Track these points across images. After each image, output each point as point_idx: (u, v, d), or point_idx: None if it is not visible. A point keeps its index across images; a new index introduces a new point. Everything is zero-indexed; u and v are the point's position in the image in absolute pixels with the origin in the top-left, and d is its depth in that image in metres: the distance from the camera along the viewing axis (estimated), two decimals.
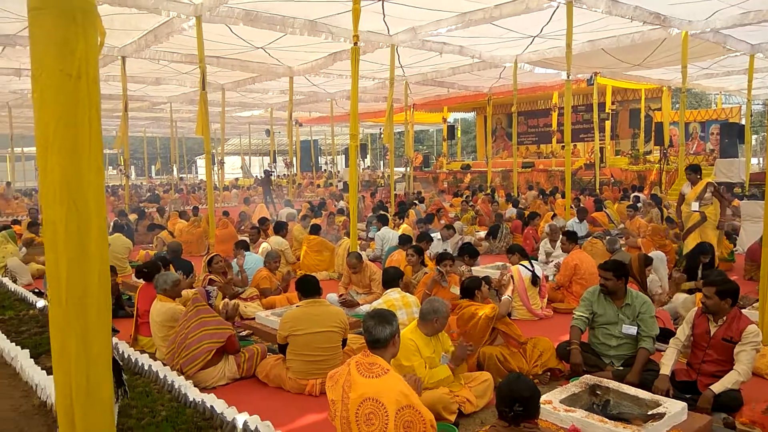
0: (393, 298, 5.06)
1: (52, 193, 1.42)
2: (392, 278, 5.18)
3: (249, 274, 6.96)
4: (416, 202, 14.58)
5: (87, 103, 1.44)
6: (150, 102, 22.42)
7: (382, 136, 33.43)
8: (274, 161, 23.86)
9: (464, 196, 16.99)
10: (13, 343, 5.14)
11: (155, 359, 4.81)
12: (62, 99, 1.42)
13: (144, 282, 5.62)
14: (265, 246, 8.33)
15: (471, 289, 4.62)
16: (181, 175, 33.11)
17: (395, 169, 20.20)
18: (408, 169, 20.81)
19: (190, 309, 4.58)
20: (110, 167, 50.58)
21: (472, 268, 6.98)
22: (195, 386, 4.14)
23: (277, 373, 4.38)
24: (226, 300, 5.65)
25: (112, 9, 9.34)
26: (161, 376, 4.31)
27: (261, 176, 31.39)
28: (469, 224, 11.93)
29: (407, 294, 5.28)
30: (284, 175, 35.94)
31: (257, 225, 9.55)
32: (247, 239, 8.62)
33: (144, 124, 31.85)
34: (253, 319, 5.93)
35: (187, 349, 4.37)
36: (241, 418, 3.47)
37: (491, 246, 10.00)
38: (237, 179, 35.82)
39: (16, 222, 11.50)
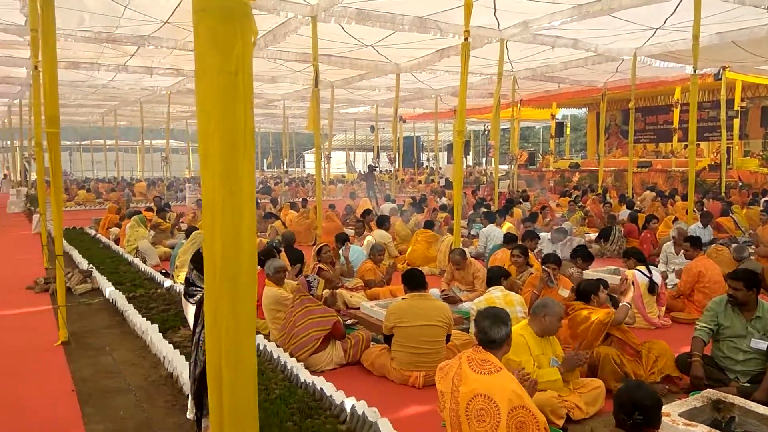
0: (495, 296, 4.98)
1: (212, 181, 1.55)
2: (496, 276, 5.10)
3: (353, 266, 7.15)
4: (521, 200, 14.22)
5: (243, 98, 1.56)
6: (265, 99, 23.60)
7: (486, 132, 32.94)
8: (377, 157, 24.33)
9: (573, 195, 16.32)
10: (144, 318, 5.64)
11: (269, 340, 5.08)
12: (222, 94, 1.55)
13: (259, 268, 5.95)
14: (369, 239, 8.51)
15: (587, 292, 4.46)
16: (288, 169, 34.56)
17: (501, 166, 19.85)
18: (513, 166, 20.33)
19: (296, 298, 4.80)
20: None
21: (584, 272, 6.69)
22: (305, 369, 4.33)
23: (382, 363, 4.47)
24: (327, 290, 5.83)
25: None
26: (275, 357, 4.55)
27: (364, 171, 32.11)
28: (578, 225, 11.45)
29: (510, 292, 5.17)
30: (386, 170, 36.53)
31: (362, 218, 9.76)
32: (353, 231, 8.87)
33: (259, 120, 33.62)
34: (359, 308, 6.08)
35: (296, 336, 4.58)
36: (349, 402, 3.59)
37: (602, 249, 9.54)
38: (343, 174, 36.77)
39: (149, 209, 12.55)
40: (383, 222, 8.97)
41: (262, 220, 13.19)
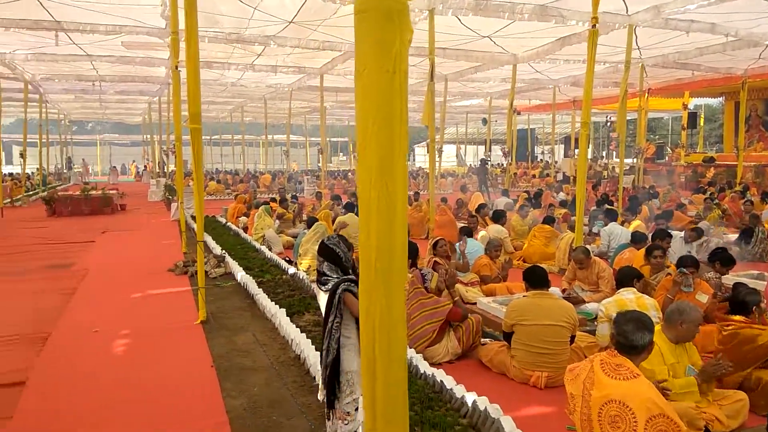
0: (627, 299, 4.71)
1: (368, 176, 1.63)
2: (628, 277, 4.82)
3: (469, 260, 7.11)
4: (650, 197, 13.34)
5: (399, 96, 1.61)
6: None
7: (607, 124, 31.15)
8: (489, 150, 23.94)
9: (708, 192, 15.03)
10: (273, 302, 5.99)
11: None
12: (380, 93, 1.61)
13: None
14: (484, 234, 8.41)
15: (749, 304, 3.94)
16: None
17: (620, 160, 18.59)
18: (638, 160, 19.08)
19: (410, 291, 4.85)
20: (340, 153, 55.76)
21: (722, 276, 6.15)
22: (424, 360, 4.39)
23: (501, 360, 4.42)
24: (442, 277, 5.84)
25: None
26: None
27: (475, 165, 31.67)
28: (716, 225, 10.54)
29: (643, 295, 4.87)
30: (497, 164, 35.81)
31: (475, 213, 9.65)
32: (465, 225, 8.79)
33: None
34: (474, 304, 6.04)
35: (412, 328, 4.65)
36: (470, 397, 3.59)
37: (742, 251, 8.70)
38: (453, 168, 36.55)
39: (273, 200, 13.28)
40: (500, 217, 8.82)
41: None
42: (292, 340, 4.91)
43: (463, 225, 7.87)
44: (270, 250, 9.64)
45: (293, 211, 12.64)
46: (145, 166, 35.48)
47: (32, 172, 26.86)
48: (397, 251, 1.60)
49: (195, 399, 4.03)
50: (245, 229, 12.01)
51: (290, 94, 22.64)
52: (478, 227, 8.88)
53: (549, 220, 8.67)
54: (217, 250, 9.32)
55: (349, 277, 3.12)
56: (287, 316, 5.54)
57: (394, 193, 1.59)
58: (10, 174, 28.41)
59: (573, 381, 2.79)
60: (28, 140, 20.91)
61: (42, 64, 17.15)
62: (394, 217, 1.59)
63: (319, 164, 51.66)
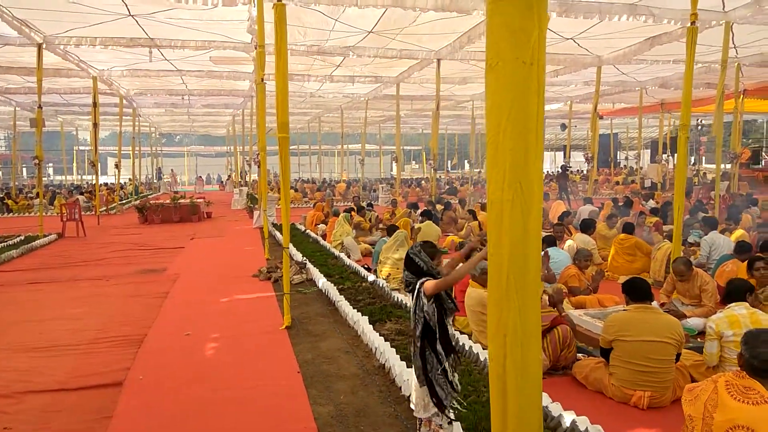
0: (738, 314, 4.32)
1: (501, 176, 1.53)
2: (739, 290, 4.42)
3: (554, 271, 6.81)
4: (750, 204, 12.38)
5: (536, 89, 1.51)
6: (454, 101, 23.86)
7: (700, 127, 29.38)
8: (568, 156, 23.14)
9: None
10: (354, 309, 5.98)
11: (473, 341, 5.05)
12: (516, 86, 1.51)
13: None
14: (570, 243, 8.06)
15: None
16: (478, 170, 34.51)
17: (711, 165, 17.40)
18: (733, 165, 17.80)
19: None
20: (413, 161, 55.83)
21: None
22: None
23: (598, 378, 4.16)
24: (551, 288, 5.61)
25: (435, 15, 10.17)
26: (481, 359, 4.50)
27: (553, 172, 30.64)
28: None
29: (756, 310, 4.45)
30: (576, 170, 34.54)
31: (560, 221, 9.26)
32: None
33: (446, 122, 34.14)
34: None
35: None
36: (568, 417, 3.39)
37: None
38: None
39: (351, 209, 13.41)
40: (588, 226, 8.41)
41: (452, 221, 13.35)
42: (375, 349, 4.87)
43: (547, 234, 7.56)
44: (348, 257, 9.70)
45: (369, 219, 12.70)
46: (228, 176, 36.98)
47: (125, 182, 28.62)
48: (531, 258, 1.49)
49: (283, 405, 4.05)
50: (324, 237, 12.18)
51: (366, 103, 22.91)
52: (564, 236, 8.49)
53: (629, 228, 8.13)
54: (298, 256, 9.48)
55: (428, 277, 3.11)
56: (370, 323, 5.52)
57: (529, 195, 1.48)
58: (105, 184, 30.41)
59: (692, 402, 2.55)
60: (122, 152, 22.31)
61: (136, 79, 18.24)
62: (529, 221, 1.47)
63: (392, 172, 52.02)
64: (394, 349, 4.64)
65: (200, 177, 43.09)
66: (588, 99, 23.65)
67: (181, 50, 13.48)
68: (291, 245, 10.83)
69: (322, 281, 7.63)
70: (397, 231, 7.72)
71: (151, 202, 18.81)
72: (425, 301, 3.06)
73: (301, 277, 8.21)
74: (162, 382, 4.47)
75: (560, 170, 20.70)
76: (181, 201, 17.67)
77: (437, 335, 3.04)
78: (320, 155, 35.04)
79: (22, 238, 12.75)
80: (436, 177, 20.56)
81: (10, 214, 20.32)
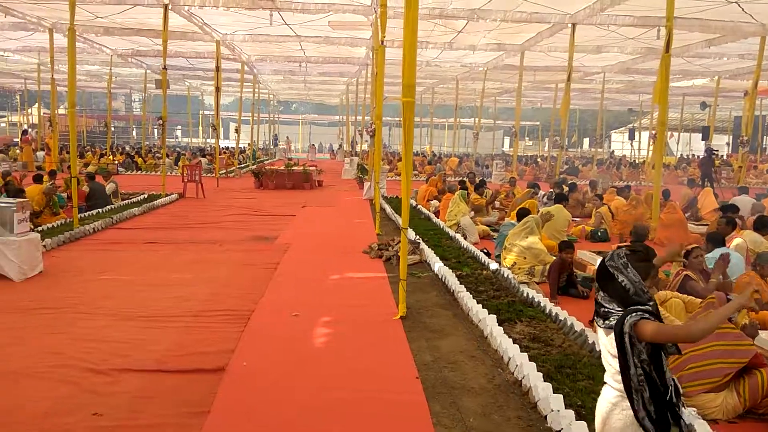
0: None
1: None
2: None
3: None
4: None
5: None
6: (583, 72, 21.92)
7: None
8: (708, 138, 20.57)
9: None
10: (480, 305, 5.20)
11: None
12: None
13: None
14: (739, 242, 6.69)
15: None
16: (600, 149, 31.97)
17: None
18: None
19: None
20: (527, 138, 53.27)
21: None
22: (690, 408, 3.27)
23: None
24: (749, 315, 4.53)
25: None
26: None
27: (695, 156, 27.58)
28: None
29: None
30: (717, 154, 30.91)
31: (728, 215, 7.67)
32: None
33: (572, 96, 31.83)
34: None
35: (695, 361, 3.49)
36: None
37: None
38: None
39: (462, 182, 12.56)
40: (765, 224, 6.95)
41: (578, 205, 12.06)
42: (510, 359, 4.07)
43: (712, 231, 6.28)
44: (465, 238, 8.91)
45: (486, 197, 11.77)
46: (340, 145, 37.29)
47: (244, 147, 29.55)
48: None
49: (400, 417, 3.40)
50: (436, 214, 11.46)
51: (485, 73, 21.63)
52: (732, 233, 7.06)
53: None
54: (411, 235, 8.82)
55: (639, 307, 2.17)
56: (498, 324, 4.72)
57: None
58: (226, 148, 31.64)
59: None
60: (242, 118, 22.85)
61: (257, 44, 18.35)
62: None
63: (503, 148, 49.96)
64: (533, 364, 3.82)
65: (313, 145, 43.94)
66: (739, 75, 20.76)
67: (301, 14, 13.14)
68: (401, 221, 10.23)
69: (438, 265, 6.91)
70: (528, 216, 6.78)
71: (266, 167, 19.05)
72: (640, 347, 2.14)
73: (414, 258, 7.55)
74: (266, 373, 3.98)
75: (705, 154, 18.34)
76: (294, 168, 17.68)
77: (655, 394, 2.15)
78: (431, 128, 34.16)
79: (146, 196, 13.21)
80: (557, 155, 19.05)
81: (139, 172, 21.53)
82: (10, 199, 6.43)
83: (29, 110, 36.29)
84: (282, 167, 17.99)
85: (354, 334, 4.81)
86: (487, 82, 23.33)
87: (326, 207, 13.30)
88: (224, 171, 20.91)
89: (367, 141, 18.65)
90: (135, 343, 4.38)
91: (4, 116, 44.19)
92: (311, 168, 18.22)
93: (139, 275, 6.56)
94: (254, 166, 21.43)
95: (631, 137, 34.68)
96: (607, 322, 2.19)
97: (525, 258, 6.47)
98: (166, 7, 12.26)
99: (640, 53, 17.47)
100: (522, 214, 7.00)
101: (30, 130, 30.45)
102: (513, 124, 26.48)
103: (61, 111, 29.38)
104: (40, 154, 21.48)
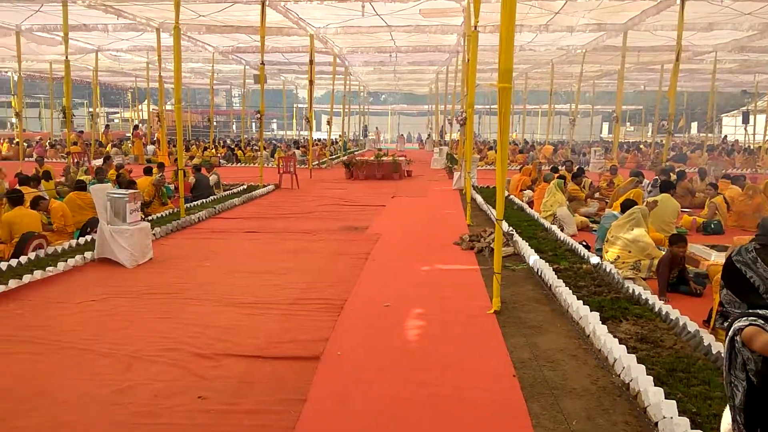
0: None
1: None
2: None
3: None
4: None
5: None
6: (692, 52, 20.31)
7: None
8: None
9: None
10: (581, 302, 4.93)
11: None
12: None
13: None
14: None
15: None
16: (706, 133, 29.52)
17: None
18: None
19: None
20: (627, 123, 50.35)
21: None
22: None
23: None
24: None
25: None
26: None
27: None
28: None
29: None
30: None
31: None
32: None
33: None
34: None
35: None
36: None
37: None
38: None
39: (556, 170, 12.04)
40: None
41: (688, 194, 11.22)
42: (616, 360, 3.82)
43: None
44: (562, 230, 8.53)
45: (584, 186, 11.21)
46: (429, 135, 37.13)
47: (335, 138, 30.16)
48: None
49: (497, 416, 3.29)
50: (530, 204, 11.07)
51: (583, 56, 20.62)
52: None
53: None
54: (504, 226, 8.57)
55: (758, 312, 1.91)
56: (601, 322, 4.45)
57: None
58: (318, 139, 32.43)
59: None
60: (333, 110, 23.30)
61: (348, 36, 18.55)
62: None
63: (602, 135, 47.49)
64: (642, 366, 3.56)
65: (401, 135, 44.07)
66: None
67: (392, 3, 13.12)
68: (494, 212, 9.97)
69: (533, 258, 6.66)
70: (634, 207, 6.35)
71: (357, 158, 19.31)
72: (749, 355, 1.90)
73: (508, 250, 7.33)
74: (359, 363, 4.00)
75: None
76: (384, 158, 17.78)
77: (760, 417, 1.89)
78: (524, 114, 33.16)
79: (245, 187, 13.81)
80: (664, 141, 17.78)
81: (239, 164, 22.56)
82: (123, 191, 6.89)
83: (139, 107, 39.11)
84: (372, 158, 18.15)
85: (446, 327, 4.72)
86: (585, 65, 22.22)
87: (416, 197, 13.26)
88: (317, 162, 21.43)
89: (458, 130, 18.39)
90: (237, 329, 4.55)
91: (117, 112, 47.92)
92: (400, 158, 18.23)
93: (239, 263, 6.84)
94: (345, 157, 21.80)
95: (745, 121, 31.73)
96: (726, 323, 1.97)
97: (630, 252, 6.07)
98: (263, 3, 12.66)
99: (756, 30, 15.89)
100: (627, 205, 6.57)
101: (141, 125, 32.83)
102: (613, 108, 25.09)
103: (168, 107, 31.35)
104: (150, 147, 23.05)
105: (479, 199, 11.71)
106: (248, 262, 6.92)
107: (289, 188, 14.39)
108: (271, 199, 12.66)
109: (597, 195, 11.48)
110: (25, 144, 22.66)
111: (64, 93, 14.18)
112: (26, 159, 19.74)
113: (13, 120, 29.99)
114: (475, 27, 8.89)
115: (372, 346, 4.31)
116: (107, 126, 35.69)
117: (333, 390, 3.59)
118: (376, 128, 44.85)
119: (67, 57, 13.67)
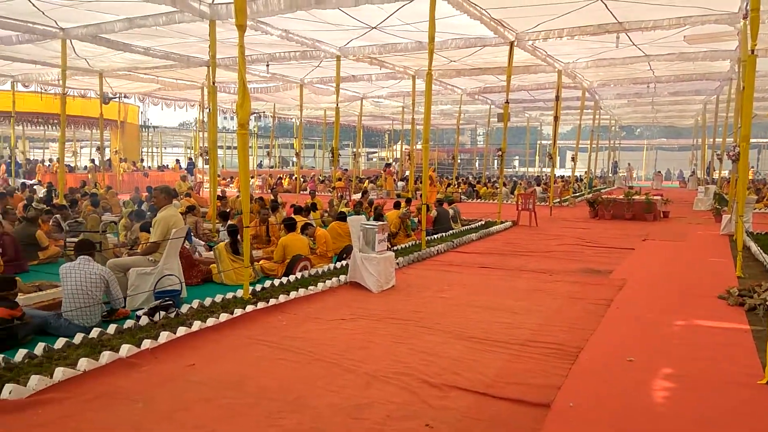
0: None
1: None
2: None
3: None
4: None
5: None
6: None
7: None
8: None
9: None
10: None
11: None
12: None
13: None
14: None
15: None
16: None
17: None
18: None
19: None
20: None
21: None
22: None
23: None
24: None
25: None
26: None
27: None
28: None
29: None
30: None
31: None
32: None
33: None
34: None
35: None
36: None
37: None
38: None
39: None
40: None
41: None
42: None
43: None
44: None
45: None
46: (693, 172, 33.14)
47: (580, 175, 28.79)
48: None
49: None
50: None
51: None
52: None
53: None
54: None
55: None
56: None
57: None
58: (561, 176, 31.38)
59: None
60: (579, 145, 22.36)
61: (600, 69, 17.76)
62: None
63: None
64: None
65: (659, 172, 40.09)
66: None
67: (651, 32, 12.18)
68: None
69: None
70: None
71: (603, 196, 18.15)
72: None
73: None
74: (593, 419, 3.68)
75: None
76: (635, 197, 16.36)
77: None
78: None
79: (483, 222, 14.02)
80: None
81: (479, 200, 23.03)
82: (374, 222, 7.58)
83: (394, 146, 42.84)
84: (621, 196, 16.85)
85: (702, 394, 4.07)
86: None
87: (672, 241, 11.86)
88: (558, 200, 20.71)
89: (729, 167, 16.03)
90: (466, 363, 4.59)
91: (375, 152, 53.37)
92: (655, 197, 16.56)
93: (472, 297, 6.93)
94: (589, 195, 20.64)
95: None
96: None
97: None
98: (512, 44, 12.90)
99: None
100: None
101: (393, 163, 35.86)
102: None
103: (418, 146, 33.77)
104: (400, 183, 25.00)
105: (754, 247, 9.96)
106: (481, 297, 6.97)
107: (527, 225, 14.16)
108: (507, 236, 12.60)
109: None
110: (301, 179, 26.59)
111: (334, 135, 16.33)
112: (301, 192, 23.15)
113: (294, 159, 35.48)
114: (753, 51, 7.76)
115: (609, 403, 3.94)
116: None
117: None
118: (628, 164, 41.55)
119: (337, 104, 15.77)
